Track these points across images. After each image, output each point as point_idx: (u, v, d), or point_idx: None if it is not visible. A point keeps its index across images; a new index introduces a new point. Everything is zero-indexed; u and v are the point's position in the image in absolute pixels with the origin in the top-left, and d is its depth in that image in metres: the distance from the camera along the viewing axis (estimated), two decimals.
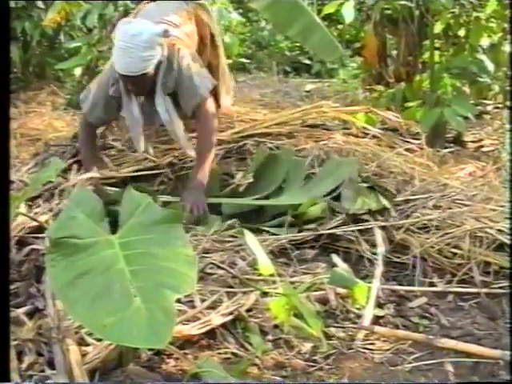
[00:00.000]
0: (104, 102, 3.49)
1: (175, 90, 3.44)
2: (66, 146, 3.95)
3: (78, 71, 6.27)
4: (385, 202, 3.10)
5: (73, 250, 1.66)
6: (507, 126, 4.54)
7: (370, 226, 2.91)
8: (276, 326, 2.24)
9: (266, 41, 9.65)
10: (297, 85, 7.92)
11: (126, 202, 1.88)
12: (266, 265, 2.16)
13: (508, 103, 4.85)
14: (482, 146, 4.72)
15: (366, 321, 2.28)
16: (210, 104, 3.49)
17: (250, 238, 2.19)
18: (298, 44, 8.96)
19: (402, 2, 4.93)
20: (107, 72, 3.52)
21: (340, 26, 8.22)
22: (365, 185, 3.21)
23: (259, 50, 9.87)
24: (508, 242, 2.70)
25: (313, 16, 4.53)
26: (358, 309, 2.37)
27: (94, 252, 1.67)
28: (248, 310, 2.30)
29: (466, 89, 5.03)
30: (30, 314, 2.22)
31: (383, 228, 2.90)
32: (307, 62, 9.40)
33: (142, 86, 3.34)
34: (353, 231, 2.89)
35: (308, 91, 7.37)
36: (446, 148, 4.41)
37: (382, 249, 2.75)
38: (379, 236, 2.82)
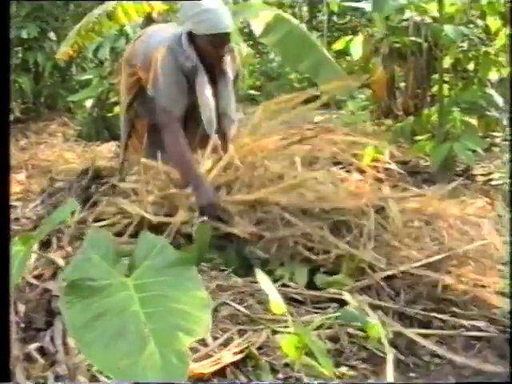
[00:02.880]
0: (178, 85, 3.28)
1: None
2: (72, 182, 3.80)
3: (88, 103, 6.37)
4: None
5: (88, 292, 1.67)
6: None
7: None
8: (287, 365, 2.24)
9: (275, 72, 9.72)
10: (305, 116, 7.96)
11: (141, 244, 1.90)
12: (277, 303, 2.17)
13: None
14: (491, 180, 4.73)
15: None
16: None
17: (262, 277, 2.20)
18: (306, 75, 9.03)
19: (412, 38, 4.98)
20: (169, 54, 3.28)
21: (349, 58, 8.30)
22: None
23: (268, 81, 9.94)
24: None
25: (322, 50, 4.61)
26: (366, 349, 2.36)
27: (108, 294, 1.68)
28: (259, 348, 2.30)
29: (474, 121, 5.05)
30: (43, 352, 2.23)
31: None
32: (316, 93, 9.46)
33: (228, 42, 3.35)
34: None
35: (316, 122, 7.41)
36: (455, 181, 4.41)
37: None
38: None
